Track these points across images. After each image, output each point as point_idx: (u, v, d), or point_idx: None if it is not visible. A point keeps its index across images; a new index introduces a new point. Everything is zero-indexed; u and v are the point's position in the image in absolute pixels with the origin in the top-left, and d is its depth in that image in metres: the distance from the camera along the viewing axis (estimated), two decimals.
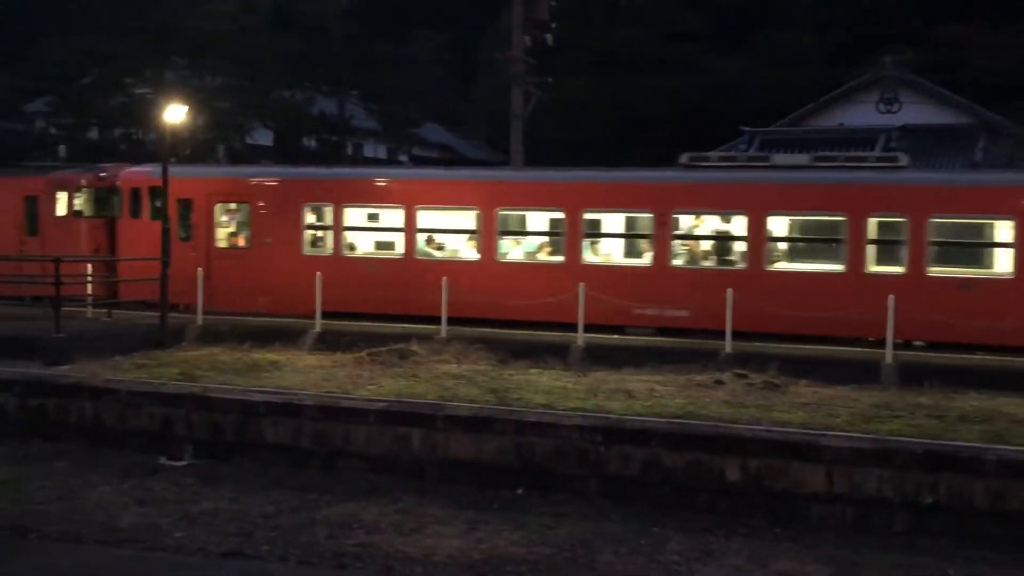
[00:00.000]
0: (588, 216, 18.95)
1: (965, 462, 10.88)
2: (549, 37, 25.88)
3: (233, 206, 21.30)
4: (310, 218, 20.64)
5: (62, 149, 34.07)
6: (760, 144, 31.43)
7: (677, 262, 18.43)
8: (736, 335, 16.62)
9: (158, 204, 20.24)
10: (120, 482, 12.67)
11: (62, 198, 22.94)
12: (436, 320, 18.04)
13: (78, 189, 22.82)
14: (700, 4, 40.91)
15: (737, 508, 11.50)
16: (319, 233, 20.65)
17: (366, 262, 20.21)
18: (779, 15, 41.43)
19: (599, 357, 16.62)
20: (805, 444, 11.49)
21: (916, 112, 32.43)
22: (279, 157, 33.17)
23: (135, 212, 21.87)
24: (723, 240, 18.56)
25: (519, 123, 26.26)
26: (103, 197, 22.60)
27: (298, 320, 19.24)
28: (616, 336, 18.14)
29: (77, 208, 22.81)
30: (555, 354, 16.79)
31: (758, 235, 17.79)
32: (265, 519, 11.20)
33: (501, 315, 18.44)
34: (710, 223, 18.81)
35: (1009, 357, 16.45)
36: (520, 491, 12.26)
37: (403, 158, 41.33)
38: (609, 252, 19.44)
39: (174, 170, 20.06)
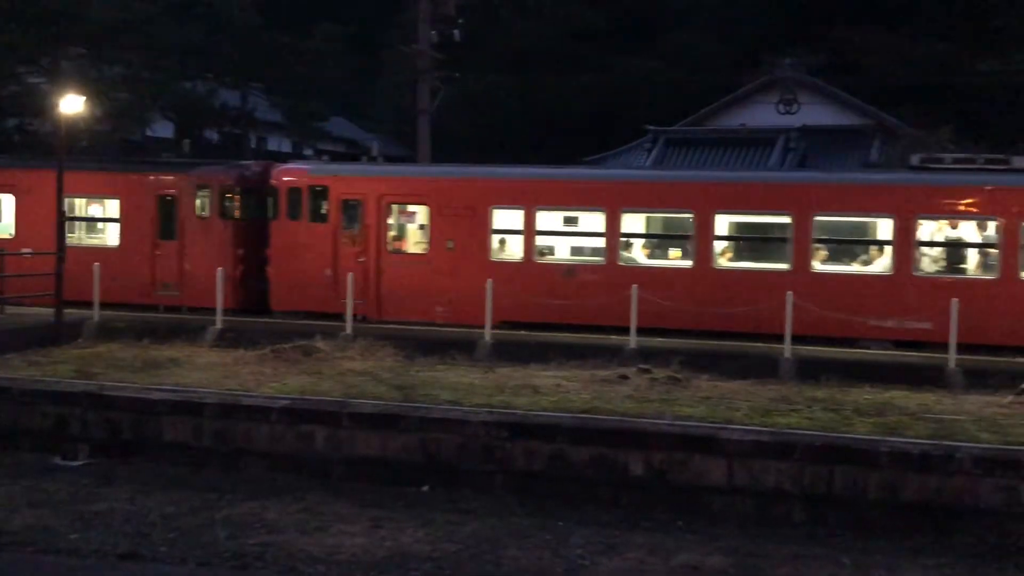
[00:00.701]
0: (819, 219, 17.72)
1: (860, 454, 11.19)
2: (456, 32, 25.86)
3: (410, 208, 20.05)
4: (499, 221, 19.27)
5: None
6: (664, 143, 31.85)
7: (923, 270, 17.38)
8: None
9: (322, 205, 19.75)
10: (11, 483, 12.25)
11: (204, 197, 20.80)
12: (643, 332, 16.80)
13: (224, 188, 20.87)
14: (605, 3, 41.33)
15: (641, 501, 11.64)
16: (508, 237, 19.26)
17: (563, 269, 18.87)
18: (682, 16, 42.06)
19: (506, 353, 16.68)
20: (706, 437, 11.70)
21: (814, 113, 33.28)
22: (181, 150, 32.41)
23: (293, 213, 20.19)
24: (968, 247, 17.56)
25: (426, 118, 26.20)
26: (253, 196, 20.95)
27: (198, 316, 18.87)
28: (523, 332, 18.22)
29: (221, 209, 20.75)
30: (462, 350, 16.78)
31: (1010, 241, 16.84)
32: (164, 520, 10.94)
33: (711, 326, 17.51)
34: (953, 229, 17.62)
35: (900, 351, 17.10)
36: (426, 488, 12.22)
37: (308, 152, 40.80)
38: (840, 258, 18.10)
39: (342, 168, 19.76)
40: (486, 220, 19.14)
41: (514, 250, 19.11)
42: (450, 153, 27.52)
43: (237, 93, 39.46)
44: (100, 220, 21.86)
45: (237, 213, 20.76)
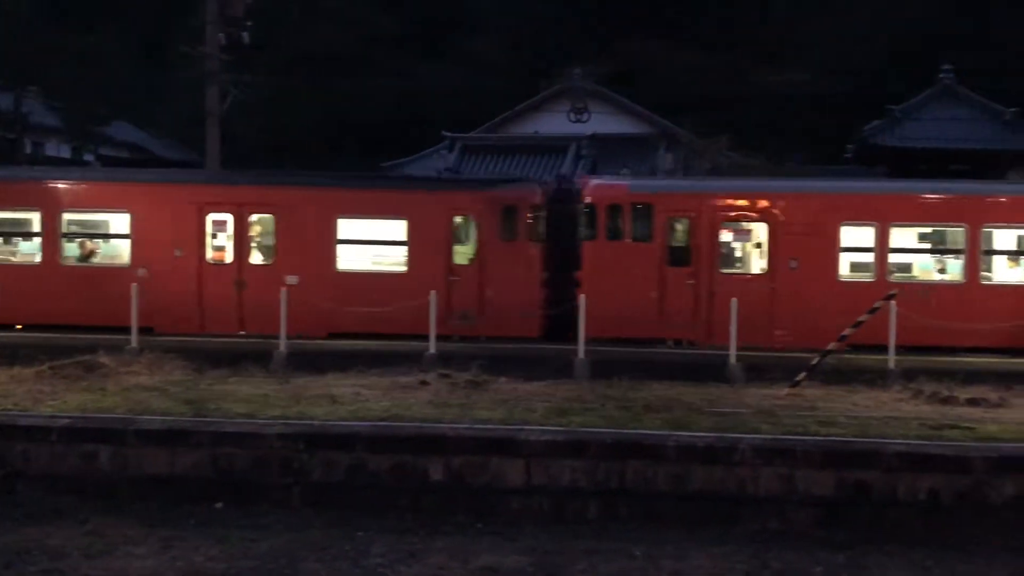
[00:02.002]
0: None
1: (649, 449, 11.60)
2: (245, 35, 25.20)
3: (745, 226, 18.83)
4: (849, 239, 18.46)
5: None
6: (461, 150, 32.15)
7: None
8: None
9: (646, 224, 18.64)
10: None
11: (510, 218, 19.26)
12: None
13: (533, 207, 19.44)
14: (399, 9, 41.37)
15: (441, 506, 11.64)
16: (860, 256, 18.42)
17: (920, 288, 18.17)
18: (477, 24, 42.62)
19: (303, 363, 16.37)
20: (504, 439, 11.83)
21: (604, 121, 34.39)
22: None
23: (613, 233, 18.91)
24: None
25: (215, 122, 25.39)
26: (558, 215, 19.65)
27: None
28: (320, 341, 17.97)
29: (529, 230, 19.32)
30: (256, 361, 16.36)
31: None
32: None
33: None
34: None
35: (688, 351, 17.88)
36: (220, 505, 11.79)
37: (88, 158, 38.77)
38: None
39: (667, 184, 18.36)
40: (834, 238, 18.46)
41: (862, 269, 18.50)
42: (241, 158, 26.83)
43: (9, 96, 37.07)
44: (383, 243, 19.72)
45: (543, 234, 19.50)
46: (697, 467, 11.50)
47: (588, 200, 19.24)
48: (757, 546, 10.57)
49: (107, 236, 20.41)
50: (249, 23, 25.26)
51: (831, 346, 15.39)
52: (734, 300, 16.41)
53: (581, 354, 16.56)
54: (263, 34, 27.22)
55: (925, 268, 18.91)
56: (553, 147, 31.71)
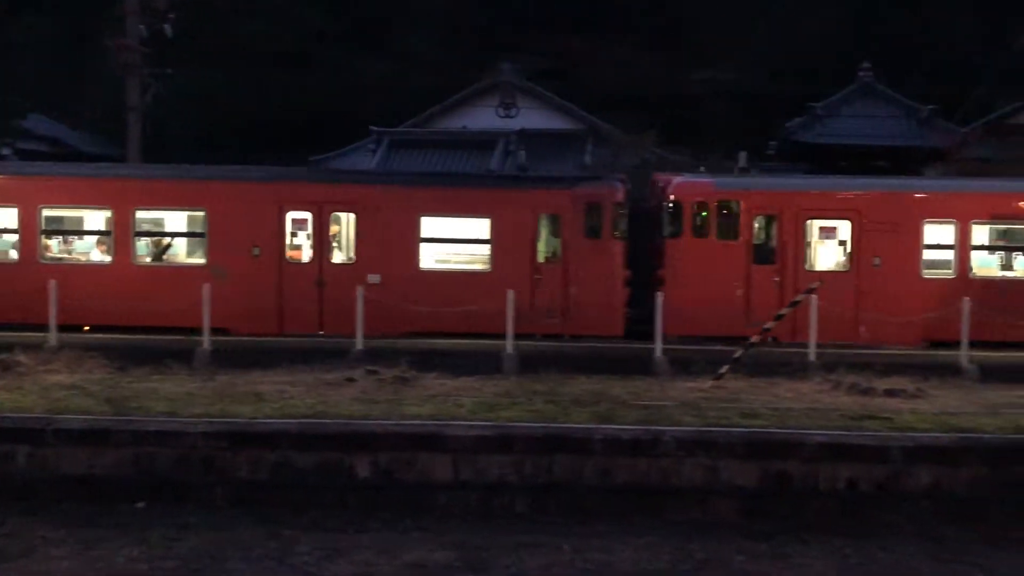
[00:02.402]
0: None
1: (576, 442, 11.68)
2: (167, 27, 24.74)
3: (830, 223, 18.98)
4: (930, 236, 18.79)
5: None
6: (388, 145, 31.94)
7: None
8: None
9: (732, 221, 18.85)
10: None
11: (595, 215, 19.04)
12: None
13: (617, 204, 19.12)
14: (324, 2, 40.99)
15: (368, 503, 11.59)
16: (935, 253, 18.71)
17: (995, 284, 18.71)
18: (405, 18, 42.38)
19: (227, 360, 16.16)
20: (432, 435, 11.83)
21: (533, 117, 34.44)
22: None
23: (699, 231, 18.94)
24: None
25: (137, 115, 24.90)
26: (648, 213, 19.65)
27: None
28: (247, 338, 17.79)
29: (613, 227, 19.10)
30: (179, 359, 16.11)
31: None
32: None
33: None
34: None
35: (616, 344, 18.05)
36: (142, 505, 11.60)
37: (5, 151, 37.77)
38: None
39: (753, 181, 18.27)
40: (917, 235, 18.75)
41: (942, 266, 18.87)
42: (168, 153, 26.33)
43: None
44: (466, 242, 19.53)
45: (625, 232, 19.29)
46: (623, 460, 11.63)
47: (673, 198, 19.32)
48: (681, 537, 10.72)
49: (182, 235, 20.08)
50: (171, 15, 24.82)
51: (753, 339, 15.65)
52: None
53: (510, 349, 16.62)
54: (187, 27, 26.74)
55: (989, 265, 19.67)
56: (482, 142, 31.63)
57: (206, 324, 16.92)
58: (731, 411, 13.06)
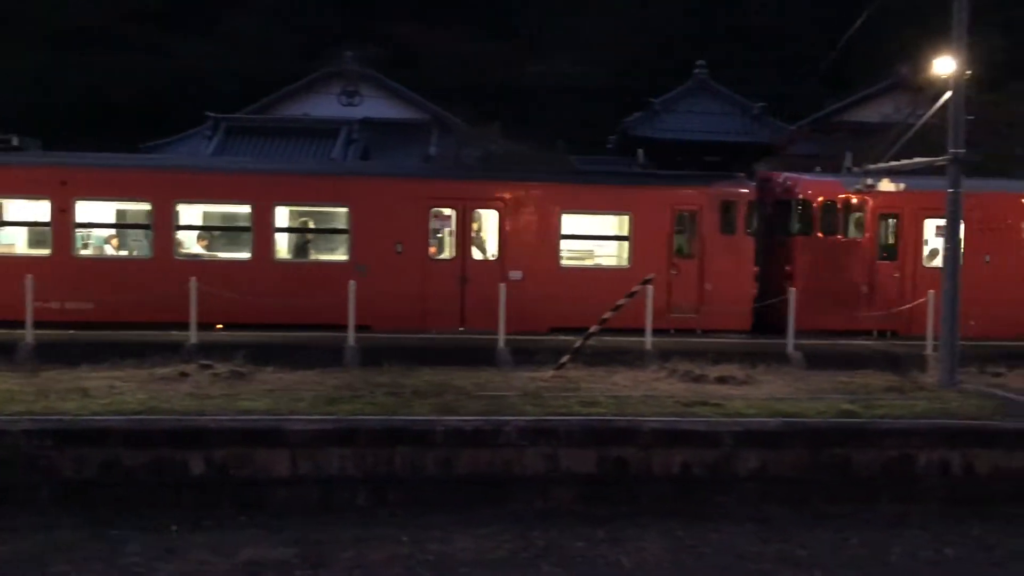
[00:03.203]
0: None
1: (418, 434, 11.64)
2: None
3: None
4: None
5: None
6: (225, 131, 31.10)
7: None
8: None
9: (857, 219, 19.87)
10: None
11: (730, 213, 19.75)
12: None
13: (751, 202, 19.85)
14: None
15: (203, 500, 11.26)
16: None
17: None
18: (244, 1, 41.37)
19: (52, 355, 15.42)
20: (269, 430, 11.56)
21: (376, 106, 34.16)
22: None
23: (827, 228, 20.01)
24: None
25: None
26: (776, 211, 20.33)
27: None
28: (72, 332, 16.99)
29: (747, 225, 19.84)
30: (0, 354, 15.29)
31: None
32: None
33: None
34: None
35: (459, 336, 18.05)
36: None
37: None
38: None
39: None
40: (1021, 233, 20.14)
41: None
42: None
43: None
44: (606, 239, 20.04)
45: (756, 229, 20.03)
46: (465, 450, 11.64)
47: (801, 196, 20.30)
48: (522, 525, 10.82)
49: (326, 232, 19.97)
50: None
51: (592, 329, 15.94)
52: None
53: (351, 342, 16.44)
54: (8, 7, 25.33)
55: None
56: (323, 130, 31.19)
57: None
58: (571, 400, 13.27)
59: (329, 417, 12.02)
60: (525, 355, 16.49)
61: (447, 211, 19.49)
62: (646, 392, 14.12)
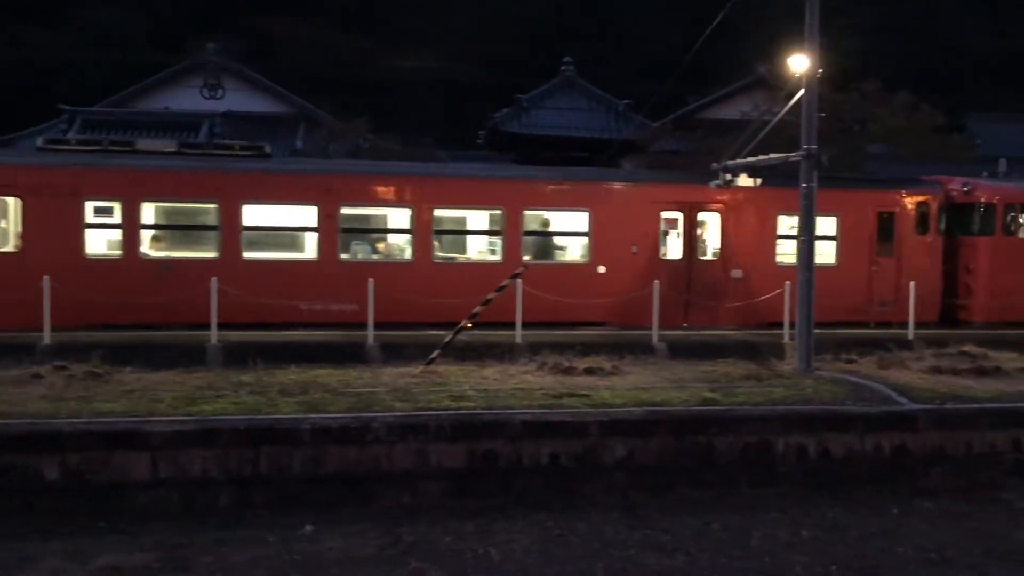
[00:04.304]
0: None
1: (283, 433, 11.43)
2: None
3: None
4: None
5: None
6: (82, 125, 29.97)
7: None
8: None
9: None
10: None
11: (924, 214, 21.75)
12: None
13: (940, 204, 21.79)
14: None
15: (58, 507, 10.81)
16: None
17: None
18: None
19: None
20: (128, 432, 11.19)
21: (239, 99, 33.47)
22: None
23: (1007, 229, 21.80)
24: None
25: None
26: (961, 213, 22.03)
27: None
28: None
29: (938, 225, 21.85)
30: None
31: None
32: None
33: None
34: None
35: (324, 332, 17.83)
36: None
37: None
38: None
39: None
40: None
41: None
42: None
43: None
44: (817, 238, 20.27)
45: (944, 229, 21.83)
46: (332, 448, 11.50)
47: (985, 200, 22.08)
48: (391, 522, 10.75)
49: (568, 235, 20.97)
50: None
51: (463, 323, 15.96)
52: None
53: (214, 340, 16.06)
54: None
55: None
56: (185, 124, 30.40)
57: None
58: (441, 394, 13.24)
59: (190, 418, 11.70)
60: (394, 351, 16.39)
61: (675, 214, 20.90)
62: (516, 385, 14.20)
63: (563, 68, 35.19)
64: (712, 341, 18.62)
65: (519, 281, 17.17)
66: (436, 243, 20.13)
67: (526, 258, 20.04)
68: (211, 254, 18.92)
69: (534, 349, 16.64)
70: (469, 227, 21.00)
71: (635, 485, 12.03)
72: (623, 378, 15.02)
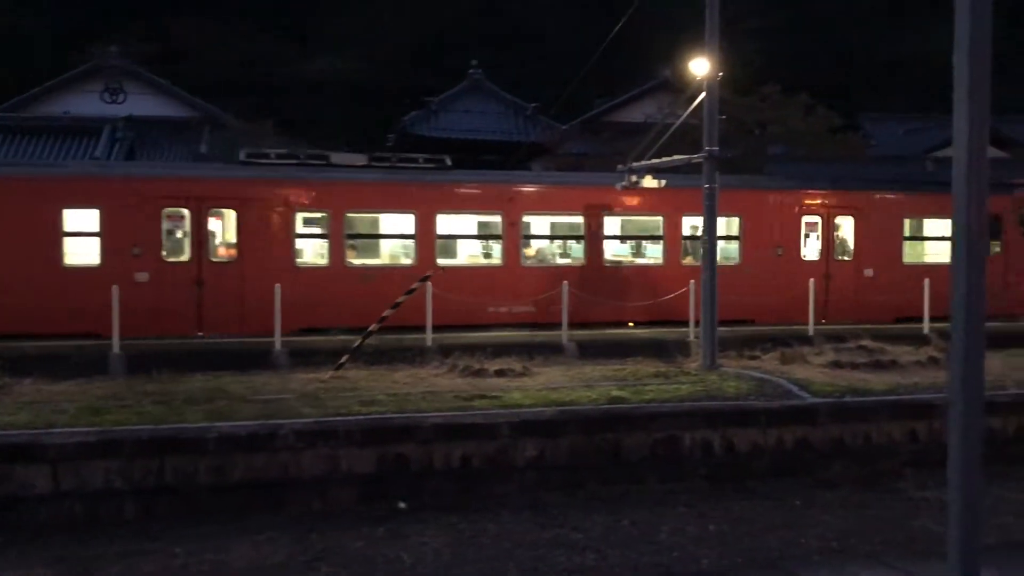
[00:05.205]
0: None
1: (189, 443, 11.25)
2: None
3: None
4: None
5: None
6: None
7: None
8: None
9: None
10: None
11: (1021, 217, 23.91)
12: None
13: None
14: None
15: None
16: None
17: None
18: None
19: None
20: (27, 445, 10.88)
21: (141, 103, 32.78)
22: None
23: None
24: None
25: None
26: None
27: None
28: None
29: None
30: None
31: None
32: None
33: None
34: None
35: (231, 340, 17.57)
36: None
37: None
38: None
39: None
40: None
41: None
42: None
43: None
44: (932, 239, 23.77)
45: None
46: (240, 456, 11.35)
47: None
48: (301, 528, 10.66)
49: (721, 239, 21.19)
50: None
51: (372, 327, 15.90)
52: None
53: (116, 349, 15.72)
54: None
55: None
56: (85, 129, 29.63)
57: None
58: (351, 399, 13.17)
59: (92, 429, 11.43)
60: (302, 356, 16.25)
61: (814, 218, 22.64)
62: (426, 388, 14.19)
63: (471, 72, 35.29)
64: (620, 340, 18.88)
65: (428, 284, 17.19)
66: (608, 247, 21.86)
67: (692, 261, 21.34)
68: (407, 261, 20.30)
69: (445, 352, 16.64)
70: (637, 232, 22.65)
71: (546, 484, 12.14)
72: (534, 379, 15.12)
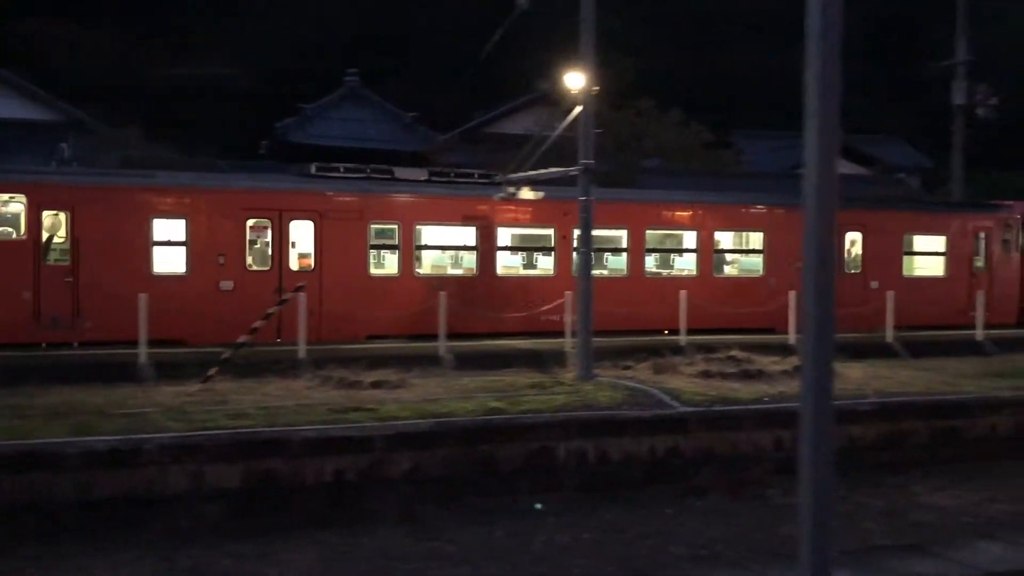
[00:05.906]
0: None
1: (47, 458, 10.77)
2: None
3: None
4: None
5: None
6: None
7: None
8: None
9: None
10: None
11: (1008, 233, 25.69)
12: None
13: (1021, 225, 25.80)
14: None
15: None
16: None
17: None
18: None
19: None
20: None
21: (1, 106, 31.38)
22: None
23: None
24: None
25: None
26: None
27: None
28: None
29: (1017, 242, 25.75)
30: None
31: None
32: None
33: None
34: None
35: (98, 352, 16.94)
36: None
37: None
38: None
39: None
40: None
41: None
42: None
43: None
44: (931, 254, 25.56)
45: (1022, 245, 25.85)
46: (102, 473, 10.92)
47: None
48: (167, 547, 10.33)
49: (745, 252, 24.08)
50: None
51: (242, 338, 15.53)
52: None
53: None
54: None
55: None
56: None
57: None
58: (218, 413, 12.80)
59: None
60: (168, 369, 15.76)
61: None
62: (299, 401, 13.90)
63: (347, 79, 34.96)
64: (498, 351, 18.90)
65: (302, 295, 16.92)
66: (649, 261, 22.92)
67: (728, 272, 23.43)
68: (471, 271, 21.36)
69: (319, 364, 16.36)
70: (663, 246, 23.49)
71: (421, 497, 12.04)
72: (410, 390, 14.98)
